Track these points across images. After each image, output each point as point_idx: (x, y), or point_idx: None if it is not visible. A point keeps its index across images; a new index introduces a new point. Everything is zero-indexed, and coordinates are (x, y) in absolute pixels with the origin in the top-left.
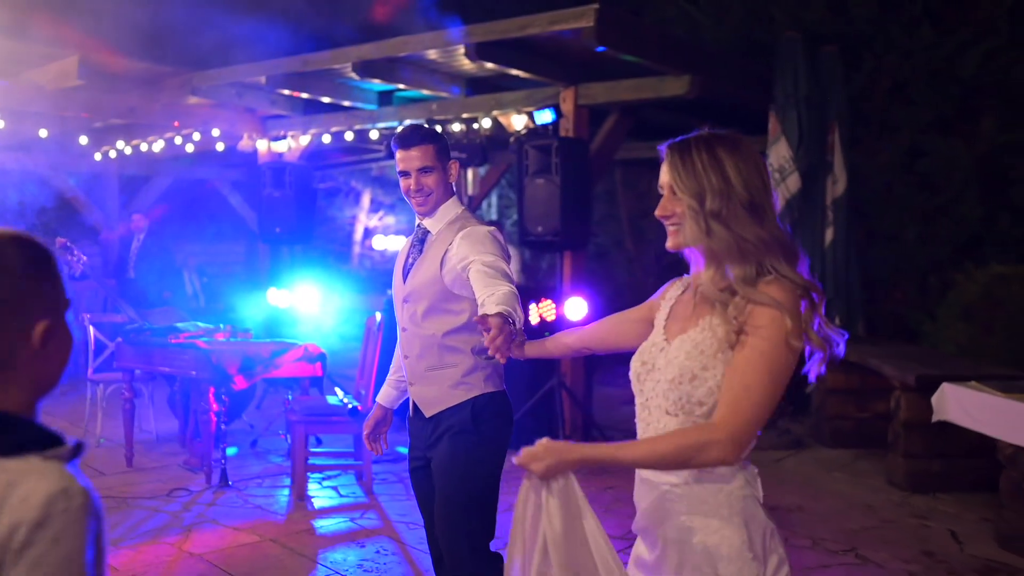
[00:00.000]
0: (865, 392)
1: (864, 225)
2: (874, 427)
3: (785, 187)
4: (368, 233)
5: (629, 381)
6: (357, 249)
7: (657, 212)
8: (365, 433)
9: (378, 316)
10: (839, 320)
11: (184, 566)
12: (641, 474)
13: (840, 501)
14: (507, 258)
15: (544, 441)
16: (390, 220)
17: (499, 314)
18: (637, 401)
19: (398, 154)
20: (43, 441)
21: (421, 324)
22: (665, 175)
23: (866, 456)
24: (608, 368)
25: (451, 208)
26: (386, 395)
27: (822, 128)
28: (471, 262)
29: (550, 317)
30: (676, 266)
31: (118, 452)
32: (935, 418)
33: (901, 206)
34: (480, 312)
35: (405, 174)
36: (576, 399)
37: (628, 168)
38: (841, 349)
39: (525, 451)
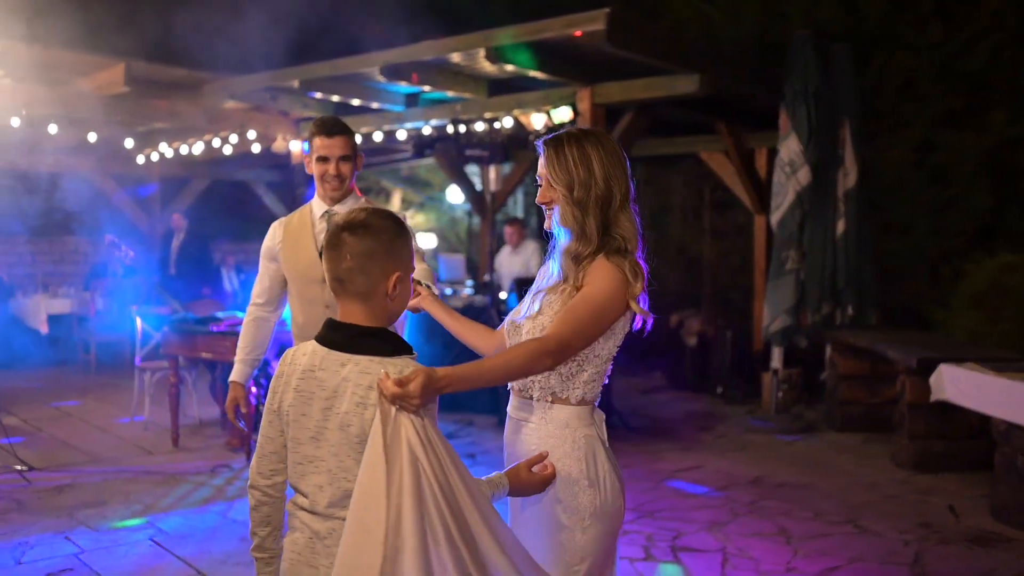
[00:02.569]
0: (876, 378)
1: (877, 217)
2: (884, 412)
3: (796, 180)
4: None
5: (646, 371)
6: None
7: (538, 199)
8: (230, 413)
9: None
10: (852, 310)
11: (229, 530)
12: (509, 411)
13: (845, 480)
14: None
15: (416, 370)
16: (419, 218)
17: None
18: None
19: (319, 140)
20: (406, 348)
21: None
22: (543, 168)
23: (875, 440)
24: (628, 359)
25: (354, 197)
26: (241, 373)
27: (833, 123)
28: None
29: None
30: (696, 260)
31: (165, 435)
32: (933, 397)
33: (913, 198)
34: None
35: (325, 160)
36: None
37: (648, 165)
38: (650, 323)
39: (398, 381)
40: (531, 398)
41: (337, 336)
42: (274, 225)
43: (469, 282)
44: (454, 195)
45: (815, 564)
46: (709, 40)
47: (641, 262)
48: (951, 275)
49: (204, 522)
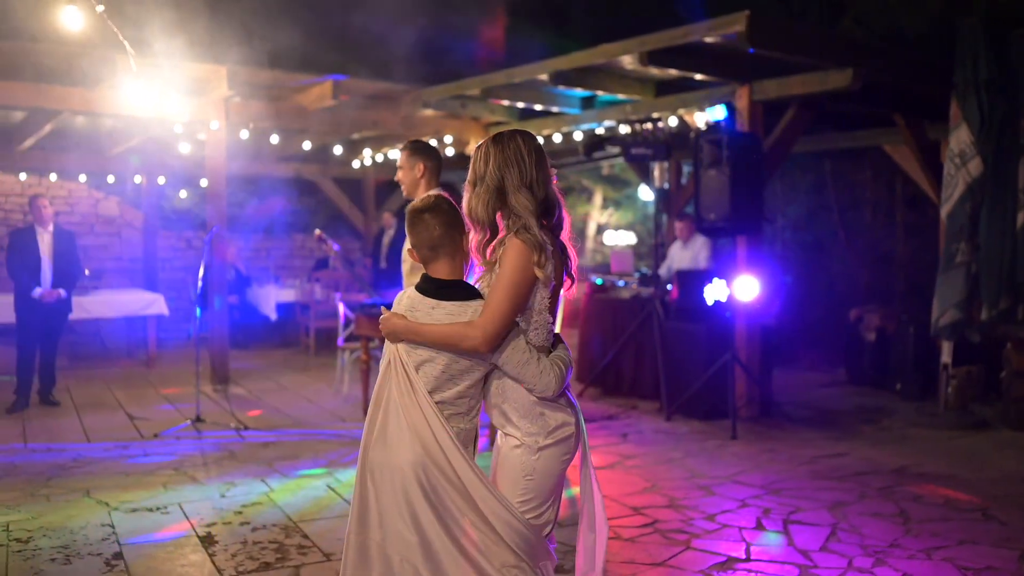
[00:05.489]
0: None
1: None
2: None
3: (966, 171)
4: (600, 229)
5: (829, 367)
6: (590, 244)
7: None
8: None
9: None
10: None
11: None
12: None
13: (996, 473)
14: None
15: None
16: (619, 216)
17: None
18: None
19: None
20: (478, 294)
21: (407, 280)
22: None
23: None
24: (810, 354)
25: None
26: None
27: (1013, 112)
28: None
29: (722, 297)
30: (888, 256)
31: (359, 406)
32: None
33: None
34: None
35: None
36: (751, 374)
37: (836, 159)
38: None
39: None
40: None
41: (428, 286)
42: None
43: (636, 274)
44: (646, 193)
45: (921, 543)
46: (879, 32)
47: (543, 234)
48: None
49: None
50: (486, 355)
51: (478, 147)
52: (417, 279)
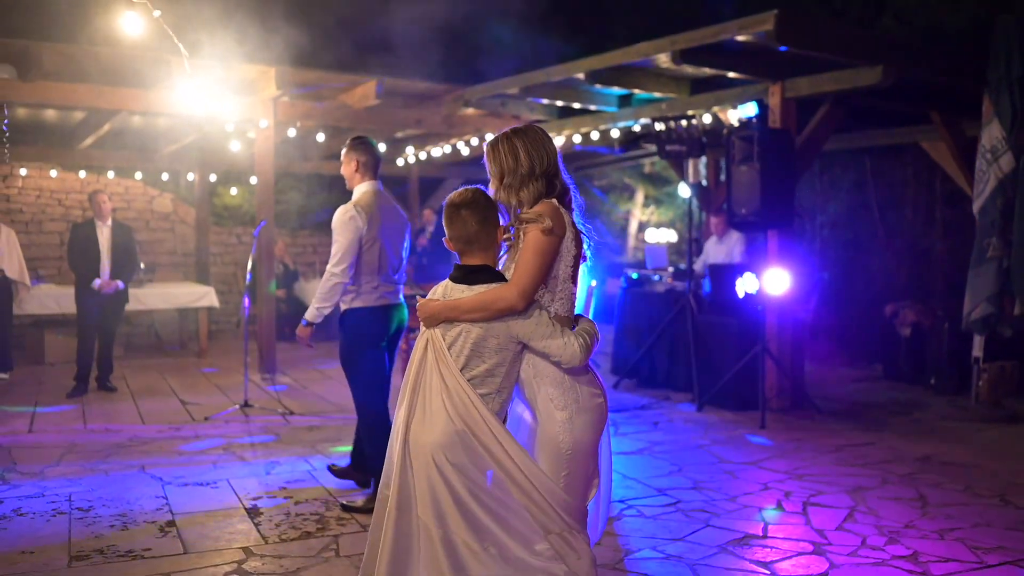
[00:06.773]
0: None
1: None
2: None
3: (998, 167)
4: (642, 226)
5: (866, 363)
6: (632, 242)
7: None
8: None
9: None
10: None
11: None
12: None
13: (1021, 463)
14: (346, 233)
15: (424, 300)
16: (660, 214)
17: None
18: None
19: None
20: (504, 279)
21: None
22: (488, 164)
23: None
24: (845, 350)
25: (359, 189)
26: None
27: None
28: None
29: (752, 290)
30: (927, 253)
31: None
32: None
33: None
34: None
35: None
36: (782, 366)
37: (877, 157)
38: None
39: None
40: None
41: (457, 273)
42: None
43: (671, 268)
44: (685, 190)
45: (936, 524)
46: (919, 29)
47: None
48: None
49: None
50: (520, 313)
51: (494, 144)
52: None
